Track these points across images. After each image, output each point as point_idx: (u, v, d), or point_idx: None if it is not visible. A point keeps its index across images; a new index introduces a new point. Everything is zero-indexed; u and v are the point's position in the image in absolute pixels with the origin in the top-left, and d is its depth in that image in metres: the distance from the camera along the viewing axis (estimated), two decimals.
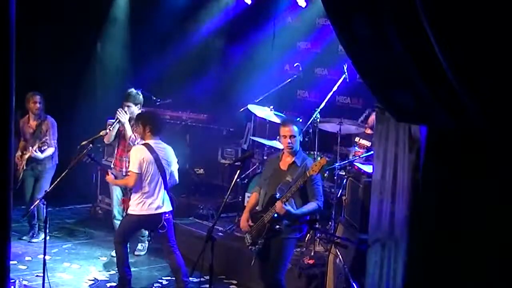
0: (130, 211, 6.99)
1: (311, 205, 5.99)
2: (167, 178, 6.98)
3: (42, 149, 8.39)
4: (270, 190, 6.15)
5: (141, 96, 8.18)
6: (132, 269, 7.83)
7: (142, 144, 6.99)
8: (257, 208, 6.31)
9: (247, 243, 6.23)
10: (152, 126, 6.97)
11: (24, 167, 8.48)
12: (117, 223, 8.13)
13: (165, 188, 6.95)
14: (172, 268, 7.04)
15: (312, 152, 8.19)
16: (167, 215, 6.91)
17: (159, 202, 6.89)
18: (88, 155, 7.26)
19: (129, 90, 8.24)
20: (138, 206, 6.89)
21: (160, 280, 7.62)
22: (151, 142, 6.95)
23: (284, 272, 6.14)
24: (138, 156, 6.87)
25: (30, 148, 8.34)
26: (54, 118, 8.78)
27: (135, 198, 6.92)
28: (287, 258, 6.13)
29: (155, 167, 6.87)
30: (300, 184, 5.89)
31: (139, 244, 8.44)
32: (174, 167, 7.11)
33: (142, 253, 8.46)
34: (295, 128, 6.16)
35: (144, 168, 6.83)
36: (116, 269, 7.21)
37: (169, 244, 6.93)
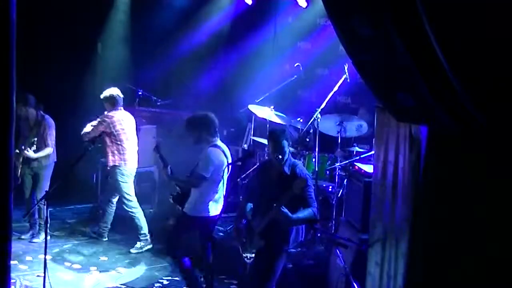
0: (196, 214, 6.62)
1: (307, 211, 5.94)
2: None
3: (33, 149, 8.34)
4: (261, 201, 6.15)
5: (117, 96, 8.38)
6: (132, 269, 7.85)
7: (215, 146, 6.65)
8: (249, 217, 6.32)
9: (241, 250, 6.23)
10: (210, 127, 6.70)
11: (21, 165, 8.45)
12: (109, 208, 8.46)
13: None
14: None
15: (312, 153, 8.20)
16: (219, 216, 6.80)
17: (219, 204, 6.69)
18: (157, 151, 6.91)
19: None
20: (208, 207, 6.58)
21: (160, 280, 7.61)
22: (219, 143, 6.69)
23: (273, 282, 6.10)
24: (214, 160, 6.54)
25: (23, 147, 8.29)
26: (55, 117, 8.77)
27: (205, 200, 6.59)
28: (277, 270, 6.07)
29: (225, 168, 6.60)
30: (290, 195, 5.85)
31: (138, 243, 8.44)
32: None
33: (142, 250, 8.44)
34: (272, 141, 6.11)
35: (216, 172, 6.54)
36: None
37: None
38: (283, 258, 6.12)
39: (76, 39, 10.97)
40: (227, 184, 6.80)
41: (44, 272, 6.29)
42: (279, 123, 8.61)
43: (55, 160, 8.69)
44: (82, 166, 8.23)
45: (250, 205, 6.35)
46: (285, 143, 6.02)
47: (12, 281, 6.76)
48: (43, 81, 10.25)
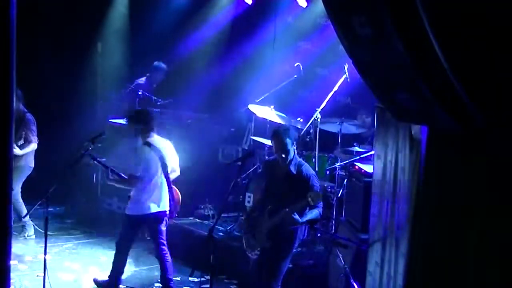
0: (134, 212, 6.77)
1: (314, 212, 6.01)
2: (169, 175, 6.87)
3: (19, 144, 8.20)
4: (269, 200, 6.16)
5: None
6: (132, 269, 7.85)
7: (145, 144, 6.75)
8: (254, 214, 6.33)
9: (245, 245, 6.25)
10: (144, 122, 6.73)
11: None
12: None
13: (168, 186, 6.84)
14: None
15: (312, 153, 8.20)
16: (165, 214, 6.84)
17: (158, 201, 6.78)
18: (92, 157, 7.00)
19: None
20: (146, 205, 6.72)
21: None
22: (153, 139, 6.77)
23: (280, 281, 6.11)
24: (142, 159, 6.66)
25: None
26: (55, 116, 8.74)
27: (142, 198, 6.72)
28: (284, 269, 6.11)
29: (159, 166, 6.72)
30: (304, 204, 5.88)
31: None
32: (175, 162, 7.01)
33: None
34: (276, 140, 6.13)
35: (146, 170, 6.67)
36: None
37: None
38: (289, 257, 6.16)
39: (76, 39, 10.97)
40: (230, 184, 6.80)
41: (44, 272, 6.29)
42: (279, 123, 8.60)
43: (32, 165, 8.48)
44: (83, 166, 8.22)
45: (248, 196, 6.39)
46: (289, 141, 6.04)
47: (12, 281, 6.76)
48: (43, 81, 10.25)
